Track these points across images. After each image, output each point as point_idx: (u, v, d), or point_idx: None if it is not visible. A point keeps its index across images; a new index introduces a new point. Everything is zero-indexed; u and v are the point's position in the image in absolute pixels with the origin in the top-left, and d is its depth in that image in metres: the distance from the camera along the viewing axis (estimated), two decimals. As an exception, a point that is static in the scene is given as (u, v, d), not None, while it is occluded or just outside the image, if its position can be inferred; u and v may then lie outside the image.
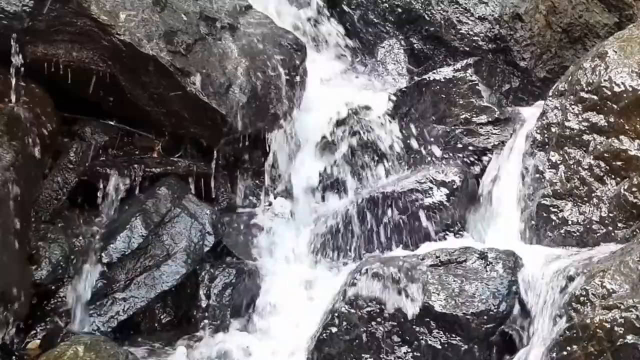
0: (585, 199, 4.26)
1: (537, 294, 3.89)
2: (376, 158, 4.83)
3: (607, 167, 4.24)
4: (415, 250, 4.35)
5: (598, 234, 4.18)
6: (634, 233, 4.06)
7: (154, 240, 4.31)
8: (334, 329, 4.05)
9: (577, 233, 4.23)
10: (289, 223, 4.78)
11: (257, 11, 4.86)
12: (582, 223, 4.23)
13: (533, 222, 4.36)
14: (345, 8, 5.49)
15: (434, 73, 4.89)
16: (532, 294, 3.91)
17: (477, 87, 4.77)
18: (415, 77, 5.12)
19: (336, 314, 4.06)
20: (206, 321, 4.28)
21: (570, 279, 3.76)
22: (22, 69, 4.22)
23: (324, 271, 4.51)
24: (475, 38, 5.26)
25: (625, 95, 4.24)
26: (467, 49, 5.24)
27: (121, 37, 4.29)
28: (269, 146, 4.78)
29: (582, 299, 3.64)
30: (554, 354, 3.60)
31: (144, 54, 4.31)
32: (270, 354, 4.20)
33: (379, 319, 4.00)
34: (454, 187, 4.48)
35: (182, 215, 4.37)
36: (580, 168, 4.29)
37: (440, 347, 3.93)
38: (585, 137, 4.31)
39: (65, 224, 4.34)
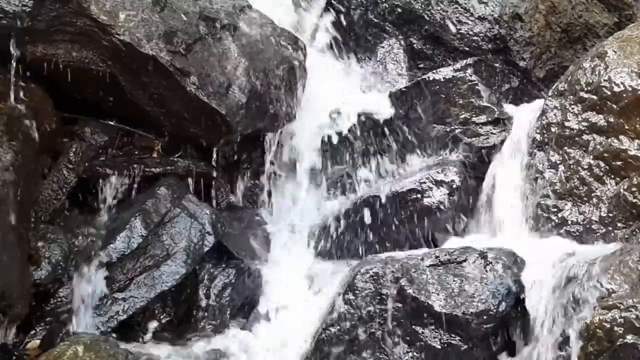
0: (584, 199, 4.26)
1: (537, 293, 3.89)
2: (376, 158, 4.83)
3: (607, 167, 4.24)
4: (415, 250, 4.34)
5: (598, 234, 4.18)
6: (634, 233, 4.06)
7: (153, 240, 4.31)
8: (334, 329, 4.05)
9: (577, 233, 4.23)
10: (289, 223, 4.78)
11: (257, 11, 4.86)
12: (581, 223, 4.24)
13: (533, 222, 4.36)
14: (345, 8, 5.48)
15: (434, 73, 4.89)
16: (532, 294, 3.91)
17: (476, 87, 4.77)
18: (415, 77, 5.12)
19: (336, 314, 4.06)
20: (206, 321, 4.28)
21: (570, 278, 3.76)
22: (22, 69, 4.22)
23: (324, 271, 4.51)
24: (475, 38, 5.25)
25: (625, 95, 4.24)
26: (467, 49, 5.24)
27: (121, 37, 4.29)
28: (269, 146, 4.78)
29: (581, 299, 3.64)
30: (554, 354, 3.60)
31: (143, 54, 4.31)
32: (270, 354, 4.20)
33: (379, 319, 4.00)
34: (454, 187, 4.48)
35: (182, 215, 4.37)
36: (579, 168, 4.30)
37: (440, 347, 3.93)
38: (584, 137, 4.32)
39: (65, 224, 4.34)
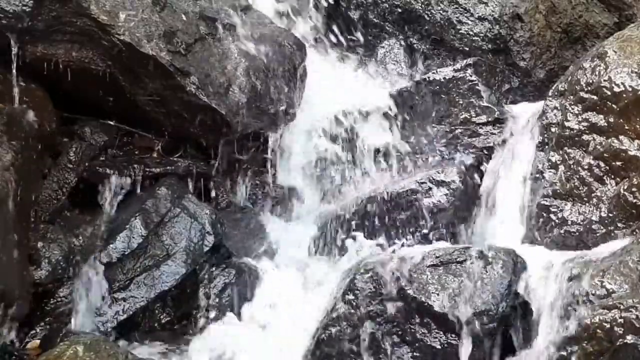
0: (585, 199, 4.26)
1: (537, 293, 3.89)
2: (376, 158, 4.83)
3: (607, 167, 4.24)
4: (415, 250, 4.34)
5: (598, 234, 4.18)
6: (634, 233, 4.06)
7: (153, 240, 4.31)
8: (334, 329, 4.05)
9: (577, 233, 4.23)
10: (288, 222, 4.78)
11: (257, 11, 4.86)
12: (581, 223, 4.24)
13: (533, 222, 4.36)
14: (345, 8, 5.49)
15: (434, 73, 4.89)
16: (532, 294, 3.91)
17: (477, 87, 4.78)
18: (415, 77, 5.13)
19: (336, 314, 4.06)
20: (206, 321, 4.28)
21: (570, 278, 3.76)
22: (22, 69, 4.22)
23: (324, 271, 4.51)
24: (475, 38, 5.26)
25: (625, 95, 4.24)
26: (467, 49, 5.25)
27: (121, 37, 4.29)
28: (269, 146, 4.79)
29: (582, 299, 3.64)
30: (554, 354, 3.60)
31: (143, 54, 4.31)
32: (270, 354, 4.20)
33: (379, 319, 4.00)
34: (454, 187, 4.48)
35: (182, 215, 4.37)
36: (580, 168, 4.29)
37: (440, 347, 3.93)
38: (585, 137, 4.32)
39: (65, 224, 4.33)
